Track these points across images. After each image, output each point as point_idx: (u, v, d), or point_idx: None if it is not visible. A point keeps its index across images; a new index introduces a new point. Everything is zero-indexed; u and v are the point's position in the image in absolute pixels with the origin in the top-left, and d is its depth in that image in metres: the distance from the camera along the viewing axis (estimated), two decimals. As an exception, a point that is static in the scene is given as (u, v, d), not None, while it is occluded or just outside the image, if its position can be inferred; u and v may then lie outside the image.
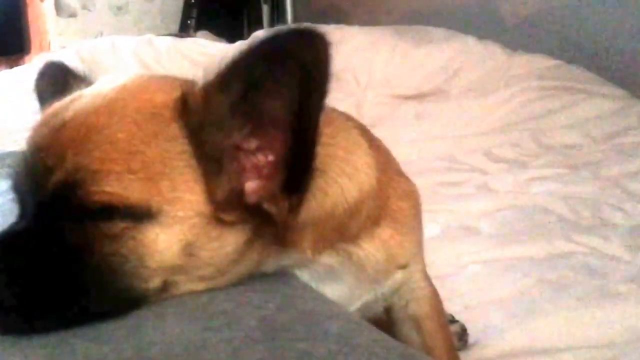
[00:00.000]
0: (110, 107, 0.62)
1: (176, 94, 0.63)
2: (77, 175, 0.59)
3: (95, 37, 3.35)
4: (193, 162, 0.61)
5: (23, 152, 0.65)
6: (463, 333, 1.14)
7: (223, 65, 0.59)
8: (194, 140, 0.61)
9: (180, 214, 0.61)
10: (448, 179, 2.03)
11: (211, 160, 0.62)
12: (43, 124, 0.65)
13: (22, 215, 0.65)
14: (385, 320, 0.91)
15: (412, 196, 0.86)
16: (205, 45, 3.31)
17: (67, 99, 0.67)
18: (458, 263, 1.42)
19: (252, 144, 0.62)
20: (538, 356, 1.07)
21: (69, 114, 0.63)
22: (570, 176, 1.98)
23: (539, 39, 3.00)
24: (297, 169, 0.61)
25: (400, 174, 0.87)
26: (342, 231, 0.75)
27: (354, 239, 0.76)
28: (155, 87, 0.66)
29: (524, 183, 1.95)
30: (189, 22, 4.26)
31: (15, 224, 0.64)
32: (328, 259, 0.76)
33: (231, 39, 3.50)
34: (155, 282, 0.62)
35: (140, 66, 2.98)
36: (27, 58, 3.87)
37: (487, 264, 1.41)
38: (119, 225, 0.59)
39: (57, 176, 0.59)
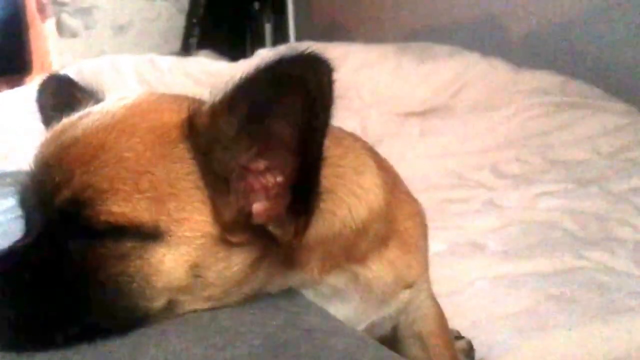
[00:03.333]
0: (119, 126, 0.62)
1: (184, 114, 0.63)
2: (85, 194, 0.58)
3: (97, 56, 3.37)
4: (200, 183, 0.61)
5: (30, 168, 0.65)
6: (470, 349, 1.12)
7: (229, 87, 0.59)
8: (201, 161, 0.61)
9: (188, 234, 0.60)
10: (454, 195, 2.01)
11: (218, 181, 0.61)
12: (51, 140, 0.65)
13: (28, 231, 0.65)
14: (390, 337, 0.90)
15: (419, 216, 0.87)
16: (207, 64, 3.32)
17: (75, 116, 0.67)
18: (465, 279, 1.40)
19: (259, 164, 0.61)
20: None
21: (77, 131, 0.63)
22: (577, 192, 1.96)
23: (544, 54, 3.00)
24: (304, 191, 0.61)
25: (407, 194, 0.88)
26: (350, 252, 0.74)
27: (361, 259, 0.76)
28: (164, 107, 0.66)
29: (530, 199, 1.93)
30: (190, 41, 4.28)
31: (21, 240, 0.64)
32: (335, 279, 0.75)
33: (234, 57, 3.50)
34: (160, 302, 0.61)
35: (143, 85, 2.99)
36: (28, 78, 3.88)
37: (494, 280, 1.38)
38: (126, 245, 0.59)
39: (65, 194, 0.59)
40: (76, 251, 0.60)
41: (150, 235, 0.59)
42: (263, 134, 0.59)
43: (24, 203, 0.66)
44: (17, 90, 3.08)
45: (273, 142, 0.59)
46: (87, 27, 4.12)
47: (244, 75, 0.58)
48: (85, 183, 0.58)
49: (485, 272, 1.42)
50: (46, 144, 0.65)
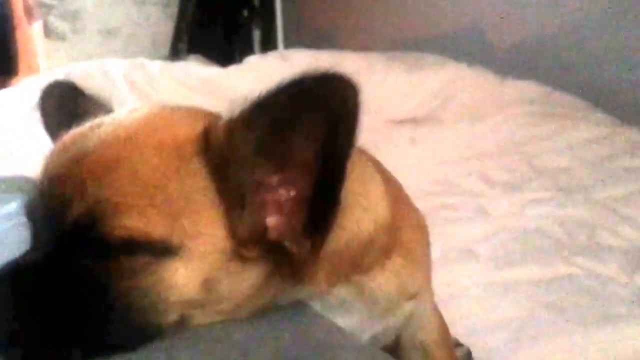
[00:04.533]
0: (133, 139, 0.62)
1: (199, 128, 0.63)
2: (97, 208, 0.58)
3: (85, 60, 3.35)
4: (215, 198, 0.61)
5: (39, 180, 0.64)
6: (469, 357, 1.14)
7: (249, 103, 0.59)
8: (217, 176, 0.61)
9: (202, 249, 0.60)
10: (444, 202, 2.04)
11: (234, 196, 0.61)
12: (62, 151, 0.64)
13: (36, 245, 0.64)
14: (392, 347, 0.91)
15: (421, 227, 0.88)
16: (198, 69, 3.32)
17: (86, 127, 0.67)
18: (459, 286, 1.42)
19: (276, 180, 0.62)
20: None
21: (89, 143, 0.62)
22: (563, 199, 2.01)
23: (529, 65, 3.06)
24: (321, 208, 0.61)
25: (409, 205, 0.89)
26: (356, 264, 0.75)
27: (366, 270, 0.76)
28: (179, 120, 0.66)
29: (519, 206, 1.97)
30: (180, 46, 4.28)
31: (29, 253, 0.63)
32: (341, 291, 0.75)
33: (223, 63, 3.51)
34: (172, 316, 0.62)
35: (132, 90, 2.97)
36: (14, 80, 3.84)
37: (488, 287, 1.41)
38: (140, 260, 0.59)
39: (77, 208, 0.58)
40: (88, 267, 0.59)
41: (164, 250, 0.59)
42: (282, 151, 0.60)
43: (31, 215, 0.65)
44: (4, 92, 3.05)
45: (291, 160, 0.60)
46: (74, 31, 4.10)
47: (264, 92, 0.58)
48: (99, 197, 0.58)
49: (478, 279, 1.45)
50: (56, 155, 0.64)
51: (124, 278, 0.59)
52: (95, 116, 0.72)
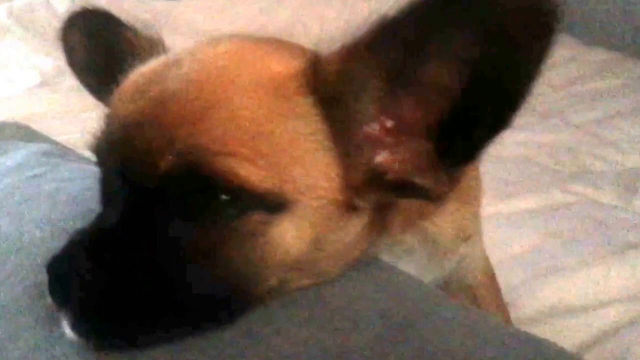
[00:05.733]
0: (224, 78, 0.51)
1: (297, 62, 0.53)
2: (194, 159, 0.48)
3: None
4: (327, 142, 0.52)
5: (107, 129, 0.54)
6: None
7: (372, 26, 0.49)
8: (327, 116, 0.52)
9: (314, 203, 0.51)
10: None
11: (348, 137, 0.52)
12: (136, 94, 0.53)
13: (109, 204, 0.54)
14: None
15: (475, 167, 0.80)
16: (148, 1, 3.08)
17: (159, 64, 0.56)
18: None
19: (402, 111, 0.52)
20: (572, 315, 1.06)
21: (173, 84, 0.51)
22: (541, 125, 1.98)
23: None
24: (463, 135, 0.51)
25: None
26: (422, 208, 0.69)
27: (428, 215, 0.71)
28: (268, 54, 0.55)
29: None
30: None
31: (103, 215, 0.53)
32: (408, 238, 0.70)
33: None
34: (272, 282, 0.53)
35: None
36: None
37: (493, 220, 1.37)
38: (251, 220, 0.49)
39: (167, 160, 0.48)
40: (182, 230, 0.50)
41: (276, 206, 0.50)
42: (415, 76, 0.49)
43: (100, 170, 0.56)
44: None
45: (426, 85, 0.49)
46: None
47: (393, 13, 0.48)
48: (195, 145, 0.48)
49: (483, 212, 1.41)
50: (129, 99, 0.53)
51: (231, 242, 0.50)
52: (142, 49, 0.62)
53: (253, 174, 0.48)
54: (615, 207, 1.46)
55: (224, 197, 0.48)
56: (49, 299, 0.50)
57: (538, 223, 1.36)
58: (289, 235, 0.51)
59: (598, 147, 1.81)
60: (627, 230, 1.33)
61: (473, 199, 0.80)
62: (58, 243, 0.52)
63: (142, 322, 0.49)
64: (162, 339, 0.49)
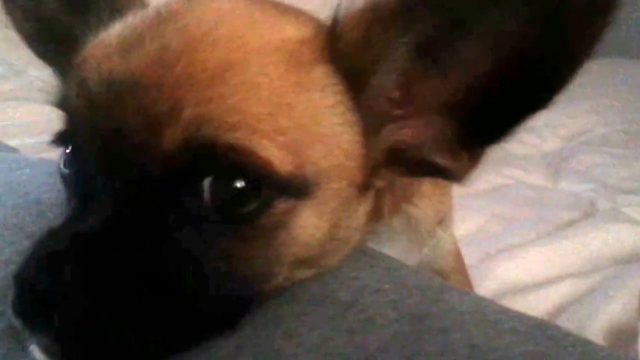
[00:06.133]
0: (236, 37, 0.44)
1: (308, 27, 0.47)
2: (205, 134, 0.40)
3: None
4: (348, 116, 0.46)
5: (83, 89, 0.43)
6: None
7: None
8: (349, 87, 0.46)
9: (335, 186, 0.45)
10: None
11: (369, 113, 0.47)
12: (121, 50, 0.43)
13: (85, 195, 0.44)
14: None
15: None
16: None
17: (147, 18, 0.46)
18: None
19: (427, 88, 0.47)
20: (525, 293, 1.07)
21: (174, 40, 0.42)
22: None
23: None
24: (491, 114, 0.47)
25: None
26: (406, 191, 0.66)
27: (410, 198, 0.68)
28: (277, 16, 0.49)
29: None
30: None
31: (80, 212, 0.43)
32: (396, 221, 0.66)
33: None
34: (279, 280, 0.47)
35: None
36: None
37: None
38: (274, 211, 0.42)
39: (172, 132, 0.40)
40: (189, 224, 0.42)
41: (298, 193, 0.43)
42: (448, 48, 0.45)
43: (78, 155, 0.45)
44: None
45: (459, 59, 0.45)
46: None
47: None
48: (206, 116, 0.40)
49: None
50: (114, 54, 0.43)
51: (250, 238, 0.42)
52: (119, 3, 0.52)
53: (274, 155, 0.41)
54: (545, 188, 1.50)
55: (241, 184, 0.41)
56: (11, 319, 0.40)
57: (478, 205, 1.37)
58: (310, 225, 0.45)
59: (519, 132, 1.86)
60: (560, 210, 1.37)
61: (444, 182, 0.77)
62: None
63: (144, 339, 0.41)
64: (165, 356, 0.42)
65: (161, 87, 0.40)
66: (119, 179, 0.42)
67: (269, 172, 0.41)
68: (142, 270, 0.40)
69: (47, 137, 0.48)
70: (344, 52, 0.45)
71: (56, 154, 0.50)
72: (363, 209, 0.51)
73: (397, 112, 0.49)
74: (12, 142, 0.89)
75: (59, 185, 0.52)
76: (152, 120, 0.40)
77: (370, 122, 0.47)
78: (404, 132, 0.49)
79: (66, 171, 0.48)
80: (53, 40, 0.59)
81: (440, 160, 0.49)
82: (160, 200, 0.41)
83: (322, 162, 0.45)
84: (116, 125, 0.41)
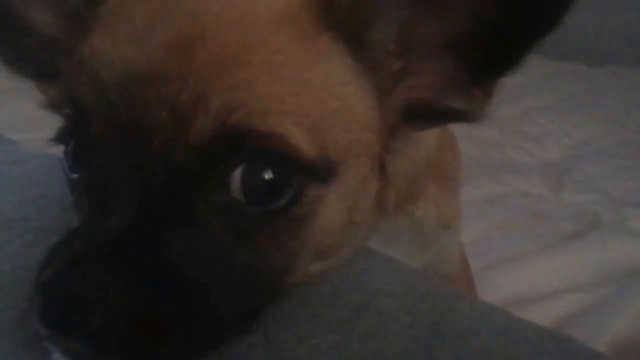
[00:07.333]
0: (247, 11, 0.42)
1: None
2: (236, 121, 0.38)
3: None
4: (360, 82, 0.44)
5: (95, 83, 0.41)
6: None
7: None
8: (355, 51, 0.44)
9: (354, 162, 0.44)
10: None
11: (377, 72, 0.45)
12: (132, 37, 0.41)
13: (105, 194, 0.41)
14: None
15: (455, 146, 0.78)
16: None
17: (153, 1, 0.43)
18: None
19: (425, 32, 0.46)
20: (527, 306, 1.06)
21: (187, 24, 0.40)
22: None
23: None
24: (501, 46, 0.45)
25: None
26: (411, 189, 0.64)
27: (414, 197, 0.67)
28: None
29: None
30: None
31: (103, 212, 0.40)
32: (399, 221, 0.65)
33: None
34: (299, 273, 0.45)
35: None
36: None
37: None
38: (306, 199, 0.41)
39: (201, 124, 0.38)
40: (213, 216, 0.40)
41: (325, 176, 0.42)
42: None
43: (86, 147, 0.43)
44: None
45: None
46: None
47: None
48: (236, 105, 0.38)
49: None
50: (125, 42, 0.41)
51: (281, 228, 0.41)
52: None
53: (301, 139, 0.40)
54: (545, 198, 1.49)
55: (270, 175, 0.40)
56: (36, 326, 0.38)
57: (479, 214, 1.36)
58: (334, 210, 0.43)
59: (520, 140, 1.86)
60: (564, 221, 1.36)
61: (453, 184, 0.77)
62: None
63: (177, 342, 0.39)
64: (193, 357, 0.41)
65: (184, 76, 0.39)
66: (142, 175, 0.40)
67: (298, 158, 0.40)
68: (171, 270, 0.39)
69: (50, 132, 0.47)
70: (339, 14, 0.44)
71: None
72: (373, 187, 0.50)
73: (400, 63, 0.47)
74: (18, 136, 0.87)
75: (63, 179, 0.51)
76: (178, 111, 0.39)
77: (382, 83, 0.46)
78: (414, 87, 0.48)
79: (74, 176, 0.46)
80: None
81: (455, 103, 0.48)
82: (187, 194, 0.40)
83: (341, 139, 0.43)
84: (138, 118, 0.39)
